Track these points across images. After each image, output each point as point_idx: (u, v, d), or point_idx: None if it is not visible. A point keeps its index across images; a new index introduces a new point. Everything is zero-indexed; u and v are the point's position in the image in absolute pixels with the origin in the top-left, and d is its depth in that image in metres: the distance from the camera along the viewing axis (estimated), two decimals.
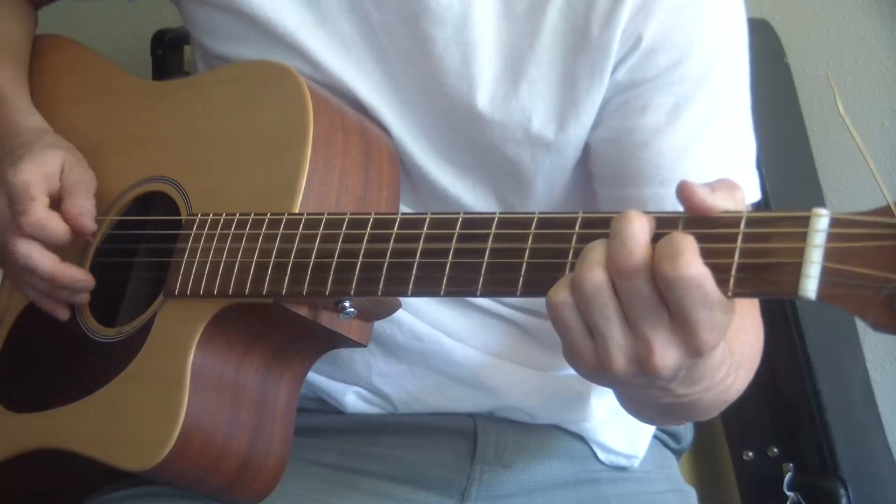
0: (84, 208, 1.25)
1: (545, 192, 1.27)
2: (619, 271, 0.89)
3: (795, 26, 1.90)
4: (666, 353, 0.90)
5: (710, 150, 1.21)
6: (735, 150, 1.24)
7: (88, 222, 1.25)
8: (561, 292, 0.92)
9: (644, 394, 1.01)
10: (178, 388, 1.14)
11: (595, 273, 0.90)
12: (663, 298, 0.88)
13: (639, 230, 0.89)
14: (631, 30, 1.18)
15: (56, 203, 1.25)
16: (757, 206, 1.24)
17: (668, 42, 1.19)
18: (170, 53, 1.97)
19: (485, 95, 1.22)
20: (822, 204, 1.76)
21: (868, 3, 1.86)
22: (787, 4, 1.90)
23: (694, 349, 0.90)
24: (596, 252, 0.90)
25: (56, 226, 1.23)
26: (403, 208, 1.26)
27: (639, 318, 0.89)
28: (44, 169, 1.25)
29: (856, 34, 1.87)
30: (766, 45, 1.84)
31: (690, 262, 0.86)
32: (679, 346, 0.90)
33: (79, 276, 1.25)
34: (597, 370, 0.93)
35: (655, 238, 0.89)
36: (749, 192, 1.23)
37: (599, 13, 1.19)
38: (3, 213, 1.25)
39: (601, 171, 1.25)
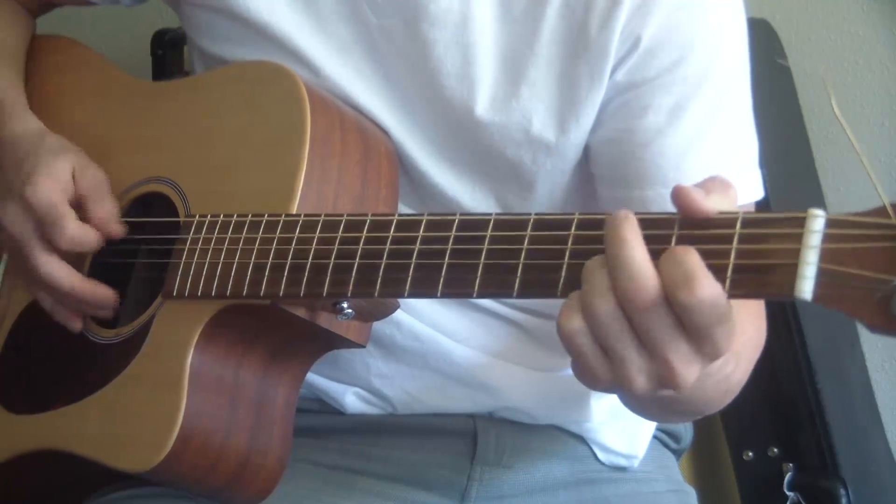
0: (109, 213, 1.26)
1: (546, 195, 1.27)
2: (633, 307, 0.87)
3: (795, 26, 1.89)
4: (688, 370, 0.89)
5: (712, 149, 1.21)
6: (737, 149, 1.24)
7: (116, 226, 1.26)
8: (574, 320, 0.90)
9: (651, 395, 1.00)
10: (176, 389, 1.14)
11: (607, 300, 0.88)
12: (679, 320, 0.87)
13: (640, 258, 0.87)
14: (629, 30, 1.18)
15: (76, 208, 1.25)
16: (759, 205, 1.24)
17: (667, 42, 1.19)
18: (170, 53, 1.97)
19: (485, 98, 1.22)
20: (821, 204, 1.76)
21: (868, 3, 1.86)
22: (787, 4, 1.90)
23: (712, 357, 0.90)
24: (601, 278, 0.89)
25: (91, 237, 1.24)
26: (403, 209, 1.26)
27: (657, 343, 0.88)
28: (59, 181, 1.25)
29: (856, 34, 1.87)
30: (765, 45, 1.84)
31: (704, 284, 0.85)
32: (700, 361, 0.89)
33: (99, 292, 1.25)
34: (614, 389, 0.92)
35: (646, 238, 0.88)
36: (752, 190, 1.22)
37: (597, 14, 1.18)
38: (20, 227, 1.24)
39: (602, 172, 1.24)
